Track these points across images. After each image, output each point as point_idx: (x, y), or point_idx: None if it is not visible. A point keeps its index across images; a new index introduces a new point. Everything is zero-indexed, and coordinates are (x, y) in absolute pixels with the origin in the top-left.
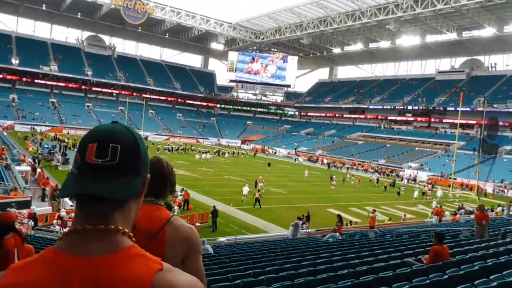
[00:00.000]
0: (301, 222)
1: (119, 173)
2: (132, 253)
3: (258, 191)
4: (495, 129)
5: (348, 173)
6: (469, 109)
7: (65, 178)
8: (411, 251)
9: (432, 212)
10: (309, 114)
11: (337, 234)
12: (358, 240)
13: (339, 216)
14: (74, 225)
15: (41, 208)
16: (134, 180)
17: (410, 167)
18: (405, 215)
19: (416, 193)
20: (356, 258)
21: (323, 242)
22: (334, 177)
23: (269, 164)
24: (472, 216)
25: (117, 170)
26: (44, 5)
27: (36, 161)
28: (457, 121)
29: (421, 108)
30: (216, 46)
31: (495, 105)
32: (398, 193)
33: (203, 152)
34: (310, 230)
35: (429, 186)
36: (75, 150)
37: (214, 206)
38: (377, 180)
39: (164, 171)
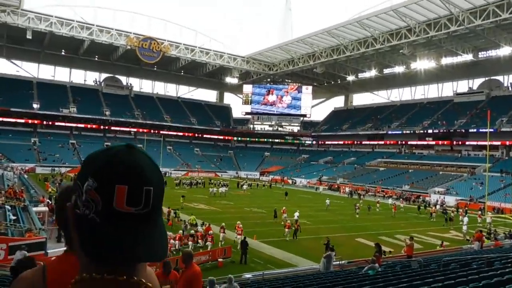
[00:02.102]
0: (334, 253)
1: (152, 221)
2: None
3: (297, 221)
4: None
5: (377, 201)
6: (492, 130)
7: (85, 226)
8: (480, 284)
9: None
10: (326, 142)
11: (377, 265)
12: (402, 271)
13: (378, 245)
14: (81, 273)
15: (56, 249)
16: (161, 219)
17: (437, 192)
18: (442, 242)
19: (466, 219)
20: None
21: (363, 275)
22: (358, 205)
23: (286, 194)
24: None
25: (149, 217)
26: (63, 51)
27: (53, 201)
28: (484, 143)
29: (441, 131)
30: (231, 80)
31: None
32: (446, 219)
33: (220, 186)
34: (342, 262)
35: (461, 211)
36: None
37: (244, 237)
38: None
39: None
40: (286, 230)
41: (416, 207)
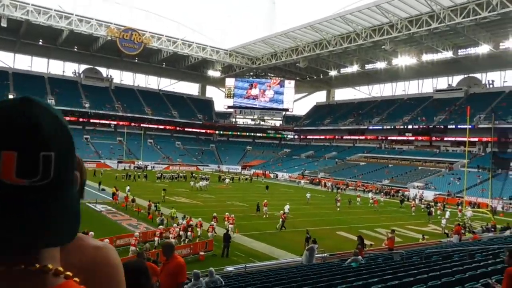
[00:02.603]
0: (316, 246)
1: (54, 196)
2: None
3: (284, 213)
4: (505, 145)
5: (358, 195)
6: (470, 127)
7: None
8: (465, 275)
9: (448, 232)
10: (308, 137)
11: (360, 257)
12: (385, 263)
13: (360, 238)
14: None
15: None
16: (71, 192)
17: (416, 186)
18: (423, 236)
19: (448, 214)
20: (404, 285)
21: (346, 267)
22: (339, 198)
23: (267, 187)
24: (491, 234)
25: (51, 190)
26: (40, 41)
27: None
28: (462, 139)
29: (421, 127)
30: (213, 73)
31: (498, 121)
32: (430, 213)
33: (201, 179)
34: (325, 255)
35: (439, 206)
36: None
37: (227, 230)
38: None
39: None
40: (281, 220)
41: (397, 201)
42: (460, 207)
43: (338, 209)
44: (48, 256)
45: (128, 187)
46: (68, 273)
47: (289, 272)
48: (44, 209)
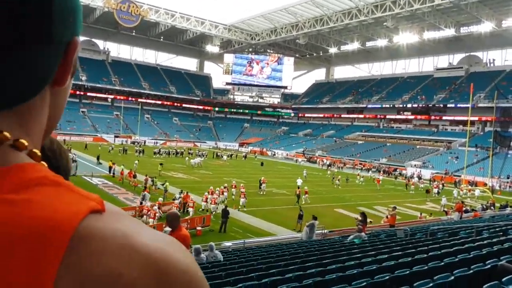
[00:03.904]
0: (316, 222)
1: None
2: (33, 176)
3: (298, 187)
4: (507, 123)
5: (358, 174)
6: (470, 106)
7: None
8: (481, 251)
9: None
10: (306, 115)
11: (363, 234)
12: (390, 240)
13: (363, 214)
14: None
15: None
16: (42, 53)
17: (414, 165)
18: (421, 213)
19: (455, 192)
20: (418, 262)
21: (349, 243)
22: (339, 176)
23: (262, 164)
24: (489, 211)
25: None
26: None
27: None
28: (461, 118)
29: (420, 106)
30: (212, 48)
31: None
32: (438, 192)
33: (197, 155)
34: (325, 231)
35: (436, 184)
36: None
37: (226, 206)
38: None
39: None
40: (305, 195)
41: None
42: (467, 185)
43: (338, 186)
44: (11, 125)
45: (136, 162)
46: (36, 150)
47: (290, 248)
48: None
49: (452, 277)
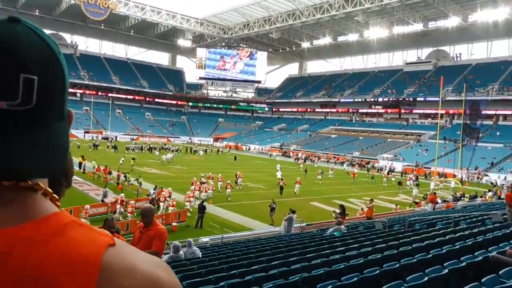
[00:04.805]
0: (295, 216)
1: (37, 123)
2: (64, 222)
3: (282, 179)
4: (476, 116)
5: (331, 167)
6: (438, 99)
7: None
8: (466, 242)
9: (419, 201)
10: (280, 109)
11: (342, 227)
12: (370, 232)
13: (342, 206)
14: None
15: None
16: (59, 127)
17: (386, 158)
18: (396, 205)
19: (432, 185)
20: (404, 254)
21: (329, 236)
22: (320, 171)
23: (235, 158)
24: (460, 202)
25: (34, 118)
26: None
27: None
28: (430, 111)
29: (391, 99)
30: (184, 42)
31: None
32: (399, 183)
33: (171, 151)
34: (303, 224)
35: (409, 176)
36: None
37: (202, 201)
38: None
39: None
40: (297, 186)
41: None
42: (437, 177)
43: (318, 181)
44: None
45: (122, 159)
46: (55, 195)
47: (270, 242)
48: (24, 136)
49: (446, 270)
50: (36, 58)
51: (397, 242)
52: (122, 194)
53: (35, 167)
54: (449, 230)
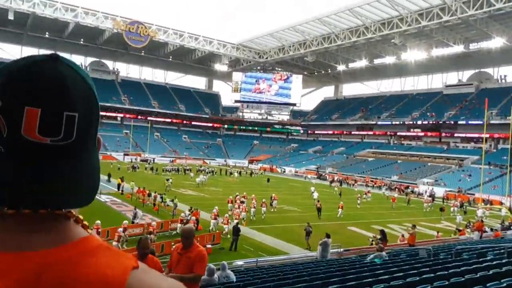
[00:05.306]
0: (330, 240)
1: (75, 156)
2: (93, 245)
3: (318, 201)
4: None
5: (366, 191)
6: (481, 123)
7: None
8: None
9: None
10: (316, 132)
11: (384, 253)
12: (414, 260)
13: (382, 232)
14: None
15: None
16: (93, 155)
17: (426, 183)
18: (438, 232)
19: (480, 212)
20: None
21: (370, 263)
22: (360, 195)
23: (268, 180)
24: (510, 232)
25: (71, 151)
26: (47, 33)
27: None
28: (473, 135)
29: (430, 122)
30: (220, 67)
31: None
32: (441, 209)
33: (205, 173)
34: (341, 250)
35: (453, 202)
36: None
37: (237, 223)
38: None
39: None
40: (340, 210)
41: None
42: (482, 204)
43: (358, 206)
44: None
45: (170, 180)
46: (85, 222)
47: (307, 267)
48: (65, 169)
49: None
50: (78, 97)
51: (446, 272)
52: (188, 212)
53: (72, 198)
54: (504, 261)
